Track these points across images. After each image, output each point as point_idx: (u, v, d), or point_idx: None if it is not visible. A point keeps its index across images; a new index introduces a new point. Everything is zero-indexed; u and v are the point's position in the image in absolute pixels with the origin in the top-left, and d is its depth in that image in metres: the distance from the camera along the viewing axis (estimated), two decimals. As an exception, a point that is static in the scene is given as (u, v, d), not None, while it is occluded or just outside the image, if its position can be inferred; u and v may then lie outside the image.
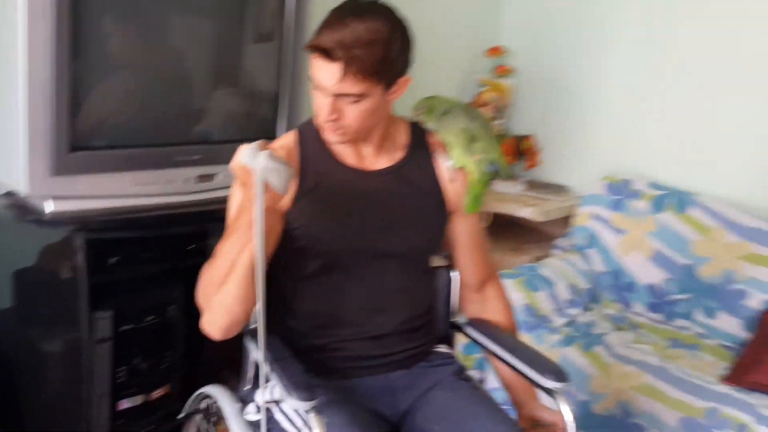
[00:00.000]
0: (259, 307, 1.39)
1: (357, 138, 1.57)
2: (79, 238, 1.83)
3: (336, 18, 1.46)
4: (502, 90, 3.38)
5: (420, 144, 1.68)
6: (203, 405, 1.79)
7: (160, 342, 2.11)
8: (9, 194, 1.86)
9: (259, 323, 1.40)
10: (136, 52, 1.94)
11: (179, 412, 2.16)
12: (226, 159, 2.08)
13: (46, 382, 2.06)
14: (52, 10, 1.69)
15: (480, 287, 1.80)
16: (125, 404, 2.07)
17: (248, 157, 1.40)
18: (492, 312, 1.81)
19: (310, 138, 1.61)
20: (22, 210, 1.84)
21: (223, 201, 2.05)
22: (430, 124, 1.69)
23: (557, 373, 1.58)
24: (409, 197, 1.64)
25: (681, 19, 3.05)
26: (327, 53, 1.43)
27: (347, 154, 1.61)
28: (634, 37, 3.18)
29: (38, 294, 2.01)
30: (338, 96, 1.47)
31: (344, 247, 1.59)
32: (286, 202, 1.54)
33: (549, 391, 1.59)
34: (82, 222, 1.85)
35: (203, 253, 2.10)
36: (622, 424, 2.39)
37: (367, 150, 1.63)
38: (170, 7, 1.99)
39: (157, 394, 2.13)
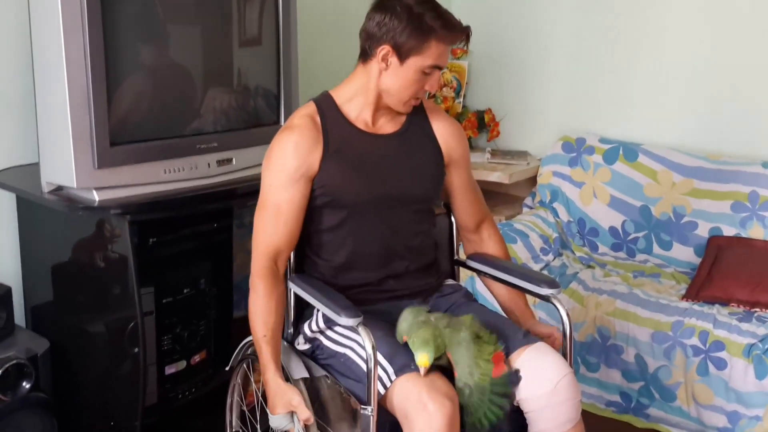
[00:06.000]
0: None
1: None
2: (125, 223, 2.08)
3: (440, 7, 1.82)
4: (459, 70, 3.71)
5: (417, 109, 1.98)
6: (250, 351, 2.05)
7: (196, 312, 2.37)
8: (59, 188, 2.10)
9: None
10: (155, 58, 2.22)
11: (217, 375, 2.44)
12: (240, 144, 2.39)
13: (99, 359, 2.28)
14: (84, 30, 1.96)
15: (476, 228, 2.11)
16: (171, 370, 2.32)
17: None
18: (489, 247, 2.11)
19: (327, 109, 1.90)
20: (72, 201, 2.08)
21: (242, 181, 2.36)
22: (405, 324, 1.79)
23: (550, 282, 1.91)
24: (414, 154, 1.94)
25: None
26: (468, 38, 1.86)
27: (361, 122, 1.91)
28: (573, 7, 3.50)
29: (90, 278, 2.24)
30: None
31: (366, 198, 1.87)
32: (314, 168, 1.83)
33: (546, 298, 1.91)
34: (124, 208, 2.09)
35: (228, 229, 2.38)
36: (602, 346, 2.73)
37: (382, 116, 1.93)
38: (182, 20, 2.28)
39: (197, 358, 2.39)
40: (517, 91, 3.71)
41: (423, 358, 1.67)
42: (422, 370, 1.67)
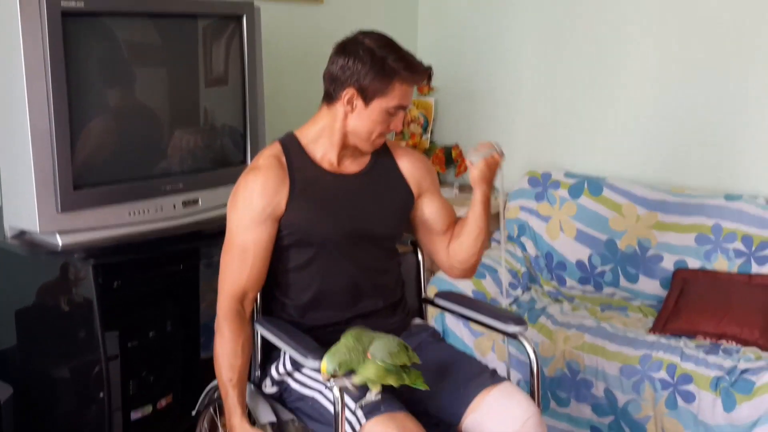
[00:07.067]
0: None
1: None
2: (88, 266, 2.06)
3: (401, 49, 1.85)
4: (426, 107, 3.75)
5: (381, 149, 2.00)
6: (216, 395, 2.02)
7: (162, 355, 2.33)
8: (22, 233, 2.08)
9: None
10: (120, 99, 2.22)
11: (184, 419, 2.40)
12: (206, 185, 2.38)
13: (64, 405, 2.26)
14: (47, 74, 1.96)
15: (448, 228, 2.07)
16: (137, 414, 2.28)
17: None
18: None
19: (293, 149, 1.91)
20: (35, 246, 2.07)
21: (208, 222, 2.35)
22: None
23: (516, 319, 1.92)
24: (380, 192, 1.96)
25: (575, 25, 3.46)
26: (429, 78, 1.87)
27: (326, 162, 1.92)
28: (538, 44, 3.56)
29: (54, 322, 2.22)
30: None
31: (333, 236, 1.88)
32: (280, 208, 1.83)
33: (513, 336, 1.91)
34: (87, 252, 2.09)
35: (194, 270, 2.37)
36: (572, 381, 2.73)
37: (347, 157, 1.94)
38: (148, 61, 2.29)
39: (163, 403, 2.35)
40: (483, 126, 3.75)
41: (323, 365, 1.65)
42: (323, 376, 1.66)
